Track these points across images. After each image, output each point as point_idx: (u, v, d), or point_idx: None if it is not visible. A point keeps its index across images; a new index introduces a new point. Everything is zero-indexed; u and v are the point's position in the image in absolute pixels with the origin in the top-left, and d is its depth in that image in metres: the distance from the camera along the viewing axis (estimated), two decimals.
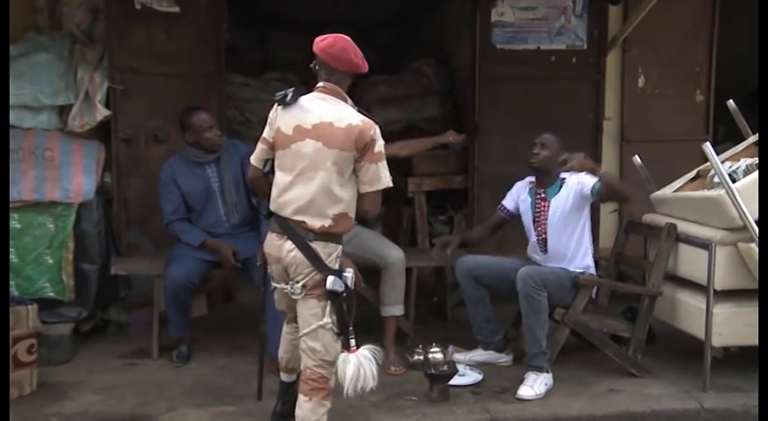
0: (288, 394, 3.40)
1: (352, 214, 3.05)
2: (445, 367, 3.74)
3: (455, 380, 3.79)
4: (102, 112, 4.55)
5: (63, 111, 4.60)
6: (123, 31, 4.66)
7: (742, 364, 3.94)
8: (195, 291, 4.32)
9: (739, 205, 3.59)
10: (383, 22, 6.93)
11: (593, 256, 4.16)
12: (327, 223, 2.97)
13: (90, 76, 4.57)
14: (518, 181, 4.23)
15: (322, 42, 3.02)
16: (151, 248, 4.77)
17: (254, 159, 3.18)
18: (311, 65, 3.09)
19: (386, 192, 3.09)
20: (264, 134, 3.14)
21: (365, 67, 3.07)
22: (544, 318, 3.81)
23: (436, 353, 3.85)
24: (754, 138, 4.33)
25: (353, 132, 2.94)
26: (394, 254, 4.15)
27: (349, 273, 3.00)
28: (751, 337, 3.70)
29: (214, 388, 3.86)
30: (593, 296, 4.11)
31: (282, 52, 6.76)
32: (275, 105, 3.08)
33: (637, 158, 4.64)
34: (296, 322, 3.24)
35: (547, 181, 4.05)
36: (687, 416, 3.63)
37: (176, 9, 4.57)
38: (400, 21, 7.09)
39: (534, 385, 3.74)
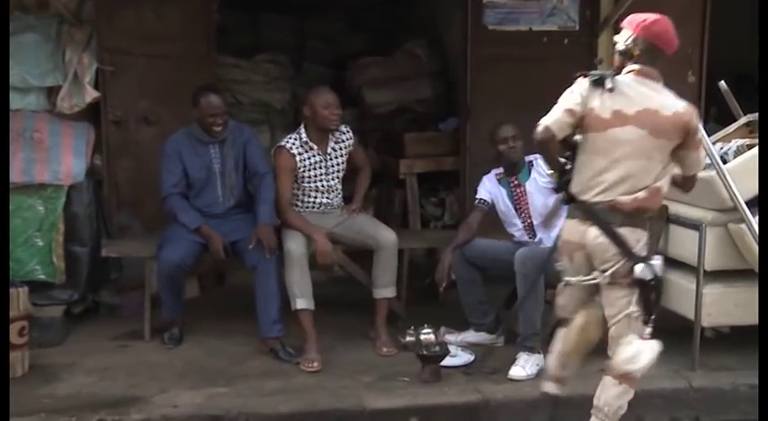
0: (556, 410, 3.17)
1: (666, 190, 3.01)
2: (437, 348, 3.76)
3: (447, 361, 3.81)
4: (91, 94, 4.52)
5: (51, 92, 4.56)
6: (112, 12, 4.61)
7: (731, 344, 3.98)
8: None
9: (730, 186, 3.59)
10: (374, 3, 6.88)
11: None
12: (641, 195, 2.89)
13: (78, 56, 4.52)
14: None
15: (645, 21, 2.91)
16: (142, 230, 4.75)
17: (553, 123, 2.93)
18: (625, 44, 2.94)
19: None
20: (572, 105, 2.93)
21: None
22: (541, 300, 3.82)
23: (428, 335, 3.85)
24: (744, 119, 4.33)
25: (680, 121, 2.90)
26: (386, 236, 4.15)
27: (657, 261, 2.95)
28: (740, 317, 3.74)
29: (206, 369, 3.87)
30: None
31: (273, 34, 6.70)
32: (587, 85, 2.92)
33: None
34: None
35: (517, 168, 4.06)
36: (676, 395, 3.67)
37: None
38: (391, 1, 7.04)
39: (526, 366, 3.76)
